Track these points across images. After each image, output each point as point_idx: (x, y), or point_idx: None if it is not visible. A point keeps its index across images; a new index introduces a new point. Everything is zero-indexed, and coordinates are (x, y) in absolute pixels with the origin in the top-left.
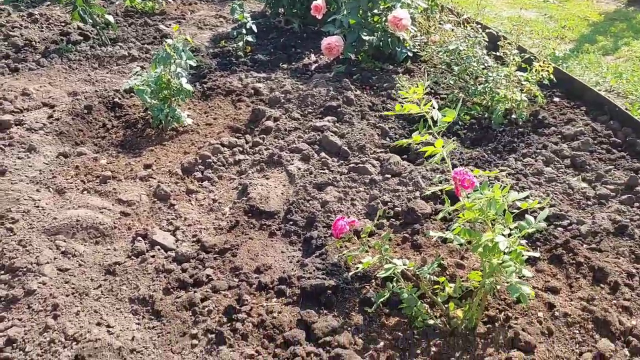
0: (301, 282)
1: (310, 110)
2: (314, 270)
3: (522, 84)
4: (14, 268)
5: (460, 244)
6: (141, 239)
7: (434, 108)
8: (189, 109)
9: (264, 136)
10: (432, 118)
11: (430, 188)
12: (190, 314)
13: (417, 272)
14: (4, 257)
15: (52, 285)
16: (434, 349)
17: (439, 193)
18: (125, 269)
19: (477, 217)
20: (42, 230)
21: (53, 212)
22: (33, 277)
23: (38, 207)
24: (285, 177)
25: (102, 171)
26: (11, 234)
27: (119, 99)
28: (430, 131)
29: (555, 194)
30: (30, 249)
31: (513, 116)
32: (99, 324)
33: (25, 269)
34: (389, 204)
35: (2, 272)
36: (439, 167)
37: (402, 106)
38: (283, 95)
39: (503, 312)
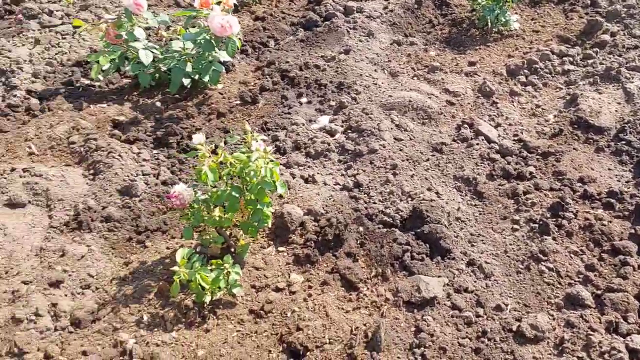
0: (635, 200)
1: None
2: None
3: None
4: (360, 129)
5: None
6: (467, 127)
7: None
8: (515, 14)
9: (598, 50)
10: None
11: None
12: (513, 202)
13: None
14: (350, 119)
15: (390, 149)
16: None
17: None
18: (451, 150)
19: None
20: (379, 104)
21: (388, 91)
22: (375, 139)
23: (376, 84)
24: (622, 95)
25: (430, 61)
26: (355, 103)
27: None
28: None
29: None
30: (372, 117)
31: None
32: (429, 189)
33: (369, 132)
34: None
35: (350, 131)
36: None
37: None
38: (625, 9)
39: None
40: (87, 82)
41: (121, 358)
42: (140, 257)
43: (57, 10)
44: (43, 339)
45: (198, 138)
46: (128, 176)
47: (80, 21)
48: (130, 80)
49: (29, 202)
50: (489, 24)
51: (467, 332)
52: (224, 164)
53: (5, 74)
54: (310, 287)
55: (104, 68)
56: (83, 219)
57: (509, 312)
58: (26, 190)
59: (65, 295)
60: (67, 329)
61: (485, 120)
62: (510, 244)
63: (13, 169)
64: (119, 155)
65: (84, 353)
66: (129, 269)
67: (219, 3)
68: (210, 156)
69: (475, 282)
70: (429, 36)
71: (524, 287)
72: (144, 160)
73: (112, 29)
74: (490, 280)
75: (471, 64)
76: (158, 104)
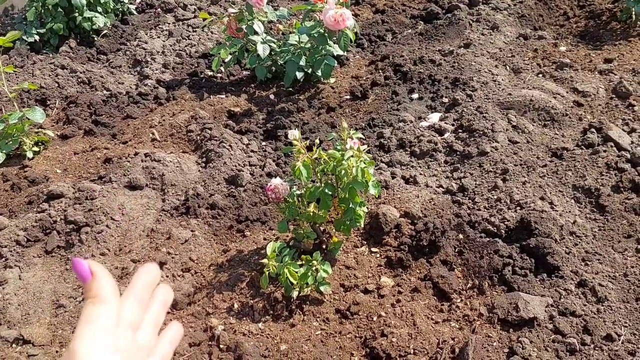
0: None
1: None
2: None
3: None
4: (471, 129)
5: None
6: (594, 131)
7: None
8: None
9: None
10: None
11: None
12: None
13: None
14: (462, 118)
15: (502, 152)
16: None
17: None
18: (573, 157)
19: None
20: (496, 102)
21: (507, 89)
22: (487, 140)
23: (495, 81)
24: None
25: (559, 58)
26: (470, 100)
27: None
28: None
29: None
30: (486, 116)
31: None
32: (542, 199)
33: (481, 132)
34: None
35: (461, 130)
36: None
37: None
38: None
39: None
40: (210, 73)
41: (209, 343)
42: (238, 245)
43: (190, 4)
44: None
45: (293, 134)
46: (236, 166)
47: (206, 14)
48: (249, 73)
49: (146, 185)
50: (633, 16)
51: None
52: (319, 160)
53: (140, 64)
54: (400, 292)
55: (225, 60)
56: (191, 205)
57: (622, 343)
58: (145, 173)
59: (167, 277)
60: None
61: (617, 125)
62: (632, 266)
63: (136, 153)
64: (229, 146)
65: None
66: (227, 257)
67: None
68: (305, 152)
69: (584, 305)
70: (562, 29)
71: None
72: (252, 151)
73: (233, 22)
74: (603, 305)
75: (607, 60)
76: (272, 96)
